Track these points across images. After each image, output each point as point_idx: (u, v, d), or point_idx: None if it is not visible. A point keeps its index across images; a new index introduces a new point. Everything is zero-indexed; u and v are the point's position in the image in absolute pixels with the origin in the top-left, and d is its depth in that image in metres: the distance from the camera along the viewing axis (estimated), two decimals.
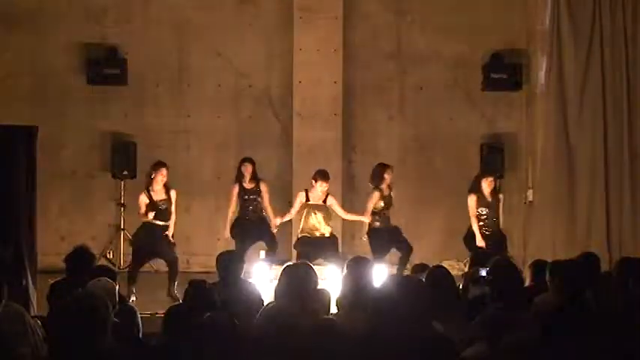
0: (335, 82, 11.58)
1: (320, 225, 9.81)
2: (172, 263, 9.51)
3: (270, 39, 11.88)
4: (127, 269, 9.88)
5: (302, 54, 11.55)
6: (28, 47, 11.60)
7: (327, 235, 9.85)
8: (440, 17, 11.93)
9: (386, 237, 10.01)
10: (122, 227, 11.61)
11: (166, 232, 9.56)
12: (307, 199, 9.87)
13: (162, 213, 9.53)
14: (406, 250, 10.06)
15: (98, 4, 11.75)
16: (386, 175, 10.03)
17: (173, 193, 9.65)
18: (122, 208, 11.62)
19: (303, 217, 9.87)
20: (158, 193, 9.57)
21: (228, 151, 11.83)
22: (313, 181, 9.81)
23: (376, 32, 11.97)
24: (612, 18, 11.21)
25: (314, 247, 9.72)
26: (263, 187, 10.18)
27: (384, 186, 10.05)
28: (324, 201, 9.87)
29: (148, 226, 9.54)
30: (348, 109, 11.80)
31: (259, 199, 10.16)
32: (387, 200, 10.08)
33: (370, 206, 9.97)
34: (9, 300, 5.57)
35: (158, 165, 9.65)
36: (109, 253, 11.63)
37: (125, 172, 11.51)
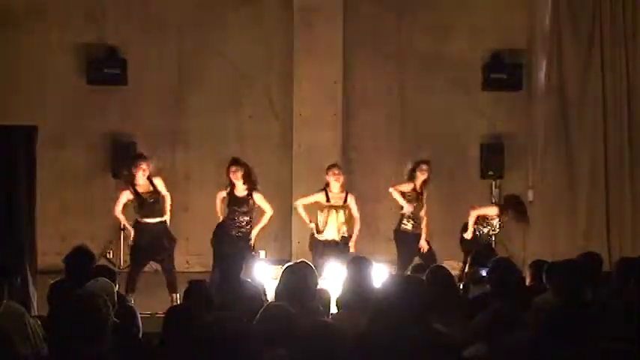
0: (335, 82, 11.57)
1: (338, 226, 9.42)
2: (168, 272, 8.97)
3: (270, 39, 11.88)
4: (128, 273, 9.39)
5: (302, 54, 11.54)
6: (28, 47, 11.59)
7: (339, 238, 9.46)
8: (440, 17, 11.94)
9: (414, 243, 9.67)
10: (122, 227, 11.59)
11: (162, 231, 9.02)
12: (327, 199, 9.44)
13: (152, 208, 9.01)
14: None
15: (98, 4, 11.74)
16: (418, 172, 9.75)
17: (158, 182, 9.01)
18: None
19: (323, 218, 9.48)
20: (143, 187, 9.00)
21: (228, 152, 11.81)
22: (326, 176, 9.39)
23: (376, 32, 11.96)
24: (612, 18, 11.21)
25: (329, 251, 9.36)
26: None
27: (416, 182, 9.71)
28: (345, 200, 9.48)
29: (141, 228, 9.05)
30: (347, 109, 11.80)
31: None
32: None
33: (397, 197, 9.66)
34: (9, 300, 5.57)
35: (137, 158, 9.12)
36: (109, 253, 11.63)
37: (125, 172, 11.48)
